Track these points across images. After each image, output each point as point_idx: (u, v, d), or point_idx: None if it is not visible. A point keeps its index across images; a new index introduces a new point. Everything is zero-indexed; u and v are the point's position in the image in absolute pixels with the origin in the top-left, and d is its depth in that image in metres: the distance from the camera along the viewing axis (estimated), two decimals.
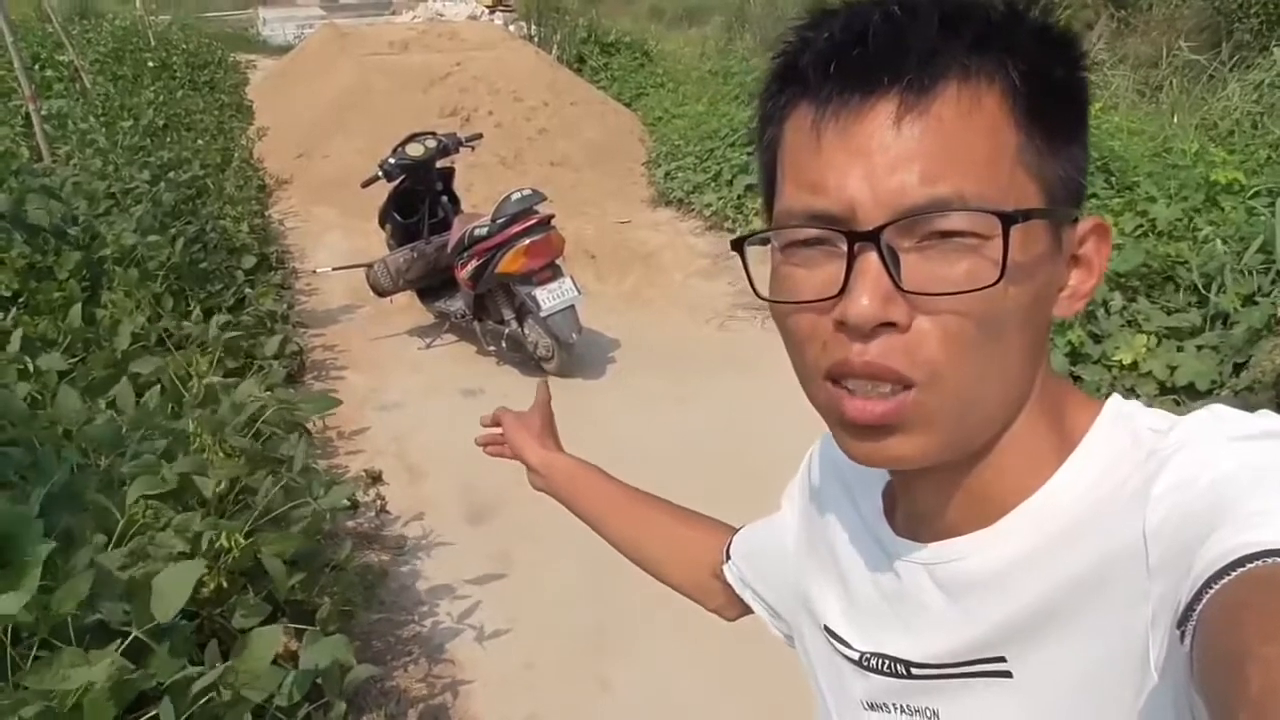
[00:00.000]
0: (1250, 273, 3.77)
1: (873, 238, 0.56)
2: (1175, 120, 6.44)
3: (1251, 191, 4.51)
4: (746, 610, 1.01)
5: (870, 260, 0.56)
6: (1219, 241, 4.02)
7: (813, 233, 0.60)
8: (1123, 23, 8.41)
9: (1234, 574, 0.45)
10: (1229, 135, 6.07)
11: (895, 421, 0.59)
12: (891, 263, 0.56)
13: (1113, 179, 5.23)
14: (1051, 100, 0.59)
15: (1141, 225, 4.50)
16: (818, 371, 0.61)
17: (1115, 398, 0.67)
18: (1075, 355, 3.94)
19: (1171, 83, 7.11)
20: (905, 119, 0.56)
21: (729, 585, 1.00)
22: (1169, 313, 3.92)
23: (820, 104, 0.58)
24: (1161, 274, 4.10)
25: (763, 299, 0.64)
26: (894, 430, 0.60)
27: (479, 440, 1.26)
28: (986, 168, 0.56)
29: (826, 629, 0.80)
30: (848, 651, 0.76)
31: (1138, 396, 3.20)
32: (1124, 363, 3.70)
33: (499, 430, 1.24)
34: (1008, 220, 0.55)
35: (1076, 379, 3.80)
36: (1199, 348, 3.67)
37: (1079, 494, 0.62)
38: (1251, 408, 0.59)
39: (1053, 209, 0.59)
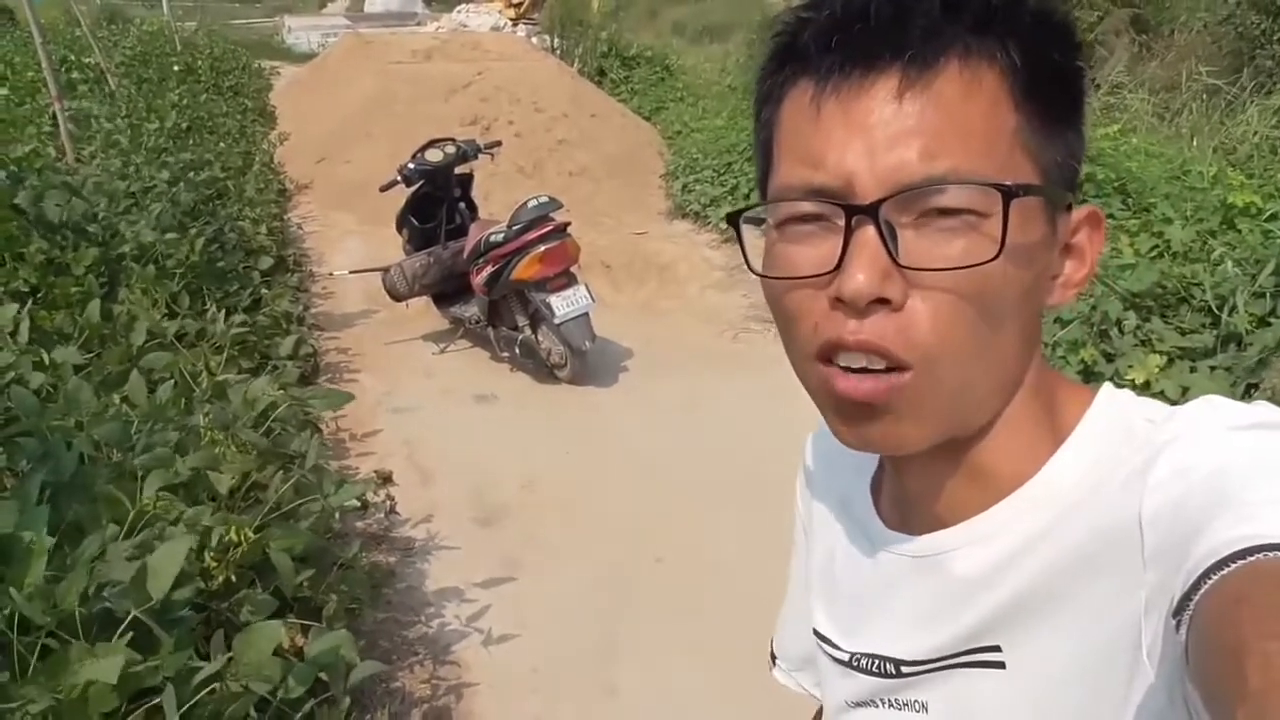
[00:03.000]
0: (1264, 295, 3.75)
1: (871, 211, 0.56)
2: (1194, 144, 6.41)
3: (1268, 215, 4.49)
4: None
5: (867, 235, 0.56)
6: (1230, 263, 4.00)
7: (809, 207, 0.59)
8: (1144, 47, 8.39)
9: (1232, 566, 0.44)
10: (1247, 160, 6.04)
11: (885, 401, 0.58)
12: (889, 238, 0.56)
13: (1129, 200, 5.21)
14: (1049, 83, 0.59)
15: (1157, 246, 4.48)
16: (810, 351, 0.60)
17: (1108, 386, 0.66)
18: (1088, 373, 3.92)
19: (1191, 107, 7.08)
20: (906, 95, 0.56)
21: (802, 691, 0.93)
22: (1182, 333, 3.90)
23: (820, 79, 0.58)
24: (1175, 295, 4.08)
25: (757, 274, 0.63)
26: (885, 413, 0.59)
27: None
28: (985, 146, 0.56)
29: (815, 631, 0.78)
30: (836, 653, 0.75)
31: None
32: (1136, 382, 3.68)
33: None
34: (1008, 194, 0.55)
35: None
36: (1212, 368, 3.65)
37: (1072, 481, 0.61)
38: None
39: (1050, 188, 0.59)
